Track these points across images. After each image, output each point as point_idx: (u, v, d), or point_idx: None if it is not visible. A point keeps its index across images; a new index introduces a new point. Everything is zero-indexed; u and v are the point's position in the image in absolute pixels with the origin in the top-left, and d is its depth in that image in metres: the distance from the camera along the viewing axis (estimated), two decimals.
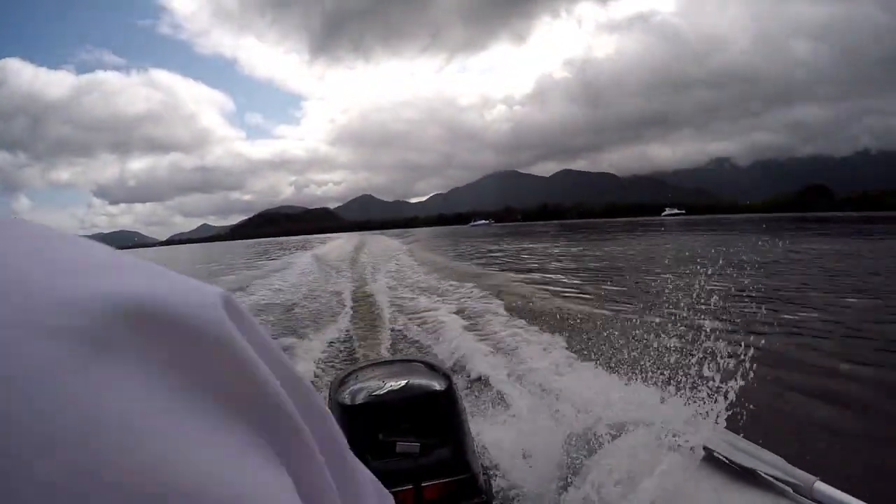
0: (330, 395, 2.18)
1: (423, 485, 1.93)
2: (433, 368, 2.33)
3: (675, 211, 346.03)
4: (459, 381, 5.19)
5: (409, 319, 9.89)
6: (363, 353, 7.93)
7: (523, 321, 8.95)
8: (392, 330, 9.29)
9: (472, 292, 12.65)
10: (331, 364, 7.32)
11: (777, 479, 1.81)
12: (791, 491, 1.76)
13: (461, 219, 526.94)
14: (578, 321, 8.86)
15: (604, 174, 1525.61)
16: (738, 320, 7.47)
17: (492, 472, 2.72)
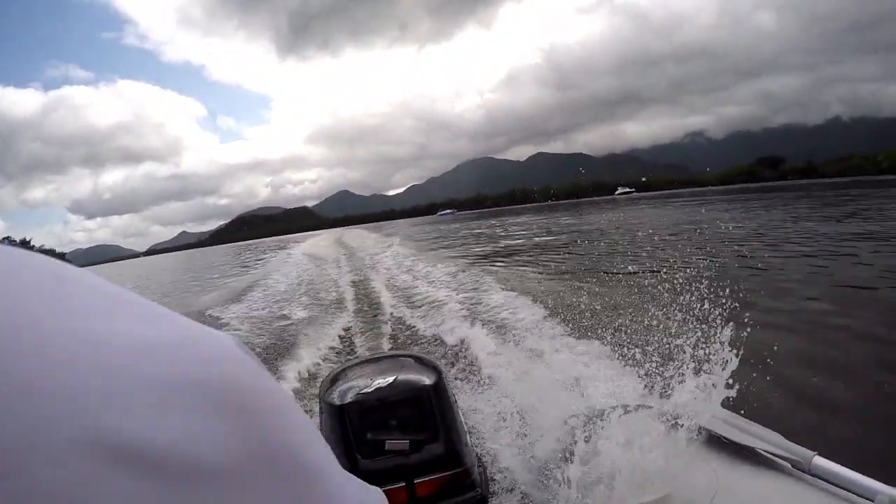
0: (320, 395, 2.16)
1: (415, 481, 1.92)
2: (422, 363, 2.31)
3: (627, 189, 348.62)
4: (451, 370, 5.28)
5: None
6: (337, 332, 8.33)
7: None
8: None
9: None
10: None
11: (775, 455, 1.82)
12: (790, 466, 1.78)
13: (431, 209, 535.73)
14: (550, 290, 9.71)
15: (578, 154, 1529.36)
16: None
17: (486, 462, 2.71)
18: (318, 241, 44.50)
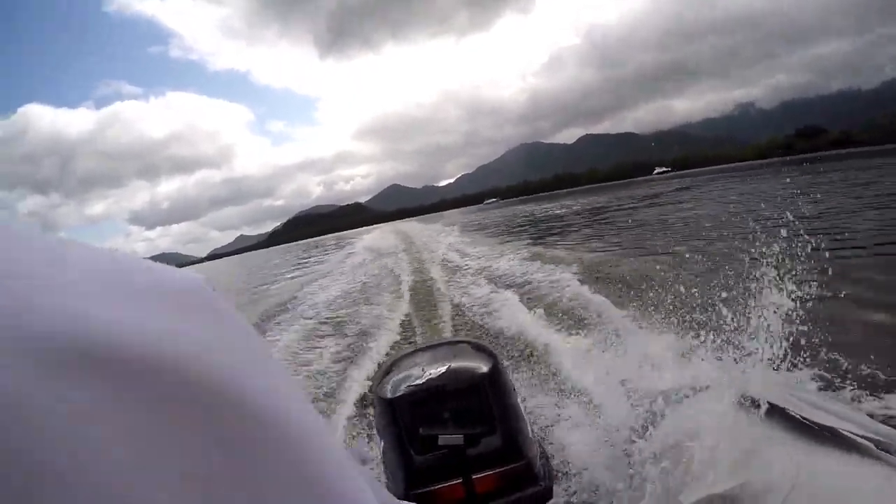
0: (373, 388, 2.11)
1: (473, 477, 1.83)
2: (476, 349, 2.23)
3: (664, 169, 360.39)
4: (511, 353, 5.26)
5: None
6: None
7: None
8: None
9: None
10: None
11: (859, 436, 1.73)
12: (875, 448, 1.68)
13: (479, 198, 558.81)
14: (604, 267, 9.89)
15: (627, 134, 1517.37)
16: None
17: (551, 453, 2.54)
18: (375, 236, 44.35)
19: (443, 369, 1.99)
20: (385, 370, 2.21)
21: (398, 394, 1.95)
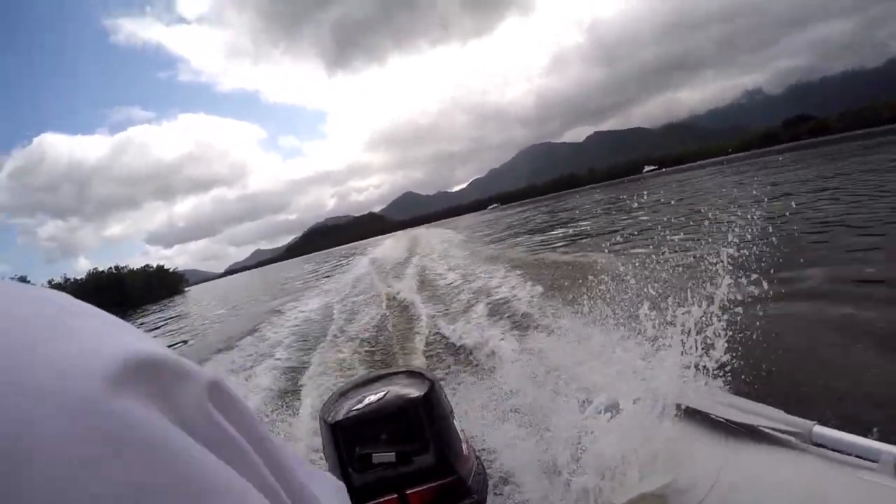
0: (320, 415, 2.22)
1: (407, 492, 1.97)
2: (416, 376, 2.34)
3: (652, 167, 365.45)
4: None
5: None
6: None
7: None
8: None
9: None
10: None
11: (776, 430, 1.84)
12: (792, 440, 1.79)
13: (485, 204, 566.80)
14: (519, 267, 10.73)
15: (636, 129, 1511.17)
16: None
17: (488, 466, 2.67)
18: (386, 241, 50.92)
19: (381, 395, 2.12)
20: (332, 398, 2.31)
21: (338, 419, 2.06)
